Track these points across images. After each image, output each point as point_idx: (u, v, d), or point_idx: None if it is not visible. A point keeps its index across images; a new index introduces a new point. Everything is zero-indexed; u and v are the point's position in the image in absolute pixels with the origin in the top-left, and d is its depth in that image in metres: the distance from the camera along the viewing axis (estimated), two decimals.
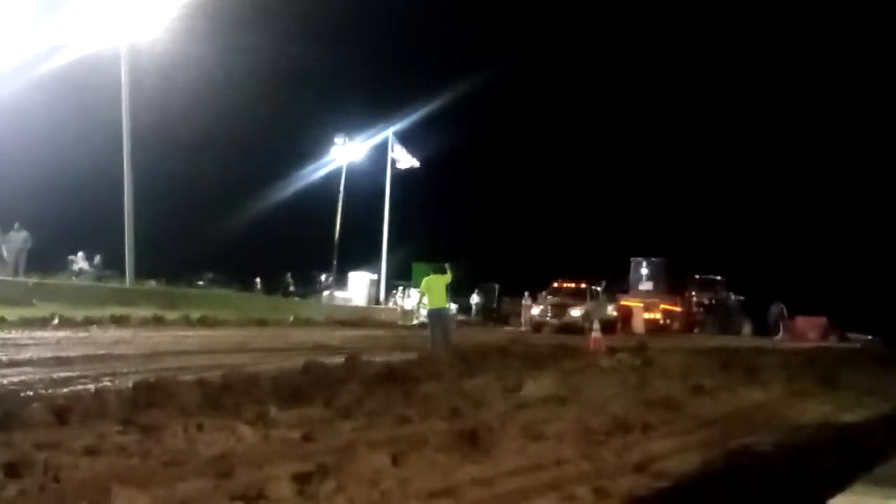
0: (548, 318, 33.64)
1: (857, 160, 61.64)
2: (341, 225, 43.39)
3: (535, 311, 35.25)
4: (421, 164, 46.66)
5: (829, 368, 16.64)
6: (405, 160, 45.86)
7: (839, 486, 4.69)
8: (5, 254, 27.82)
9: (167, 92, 35.25)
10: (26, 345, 13.53)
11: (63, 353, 12.46)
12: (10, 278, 25.86)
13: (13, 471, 4.98)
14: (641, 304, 41.72)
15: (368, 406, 8.12)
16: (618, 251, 49.29)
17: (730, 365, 15.88)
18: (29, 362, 11.28)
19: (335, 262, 43.76)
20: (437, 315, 17.30)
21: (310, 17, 51.30)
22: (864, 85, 63.99)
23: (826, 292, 43.21)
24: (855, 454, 7.12)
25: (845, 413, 10.68)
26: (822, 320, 42.84)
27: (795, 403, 11.42)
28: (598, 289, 36.04)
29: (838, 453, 7.32)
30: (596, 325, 21.50)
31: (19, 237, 27.98)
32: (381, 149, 46.03)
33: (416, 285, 30.62)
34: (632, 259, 46.55)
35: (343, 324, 29.32)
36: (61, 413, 6.79)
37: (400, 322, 35.77)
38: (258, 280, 44.05)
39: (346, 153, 44.31)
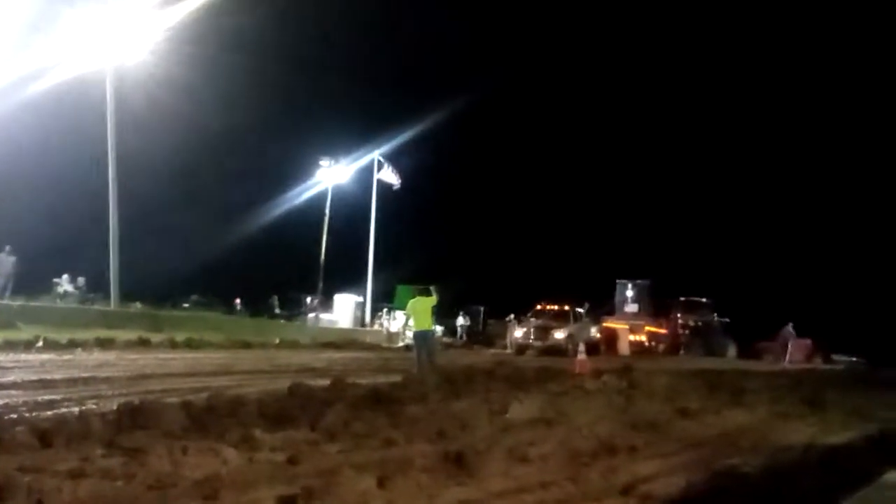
0: (531, 341, 33.58)
1: (842, 183, 62.05)
2: (327, 247, 43.43)
3: (519, 333, 35.18)
4: (405, 186, 46.87)
5: (815, 390, 16.69)
6: (389, 177, 46.00)
7: None
8: None
9: (152, 114, 35.20)
10: (10, 368, 13.44)
11: (47, 376, 12.39)
12: None
13: None
14: (627, 327, 41.75)
15: (354, 428, 8.10)
16: (603, 273, 49.43)
17: (715, 387, 15.92)
18: (13, 385, 11.22)
19: (321, 285, 43.73)
20: (422, 337, 17.27)
21: (295, 41, 51.49)
22: (850, 111, 64.44)
23: (811, 314, 43.32)
24: (840, 476, 7.14)
25: (830, 435, 10.72)
26: (808, 342, 43.00)
27: (781, 425, 11.46)
28: (582, 311, 36.02)
29: (824, 475, 7.34)
30: (581, 348, 21.51)
31: (9, 261, 27.94)
32: (367, 171, 46.16)
33: (400, 307, 30.58)
34: (617, 281, 46.67)
35: (328, 346, 29.24)
36: (45, 436, 6.75)
37: (385, 344, 35.68)
38: (238, 301, 43.85)
39: (331, 176, 44.37)
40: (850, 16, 64.61)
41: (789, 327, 39.95)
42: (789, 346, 39.68)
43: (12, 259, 28.05)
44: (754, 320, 45.68)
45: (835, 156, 63.78)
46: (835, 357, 42.79)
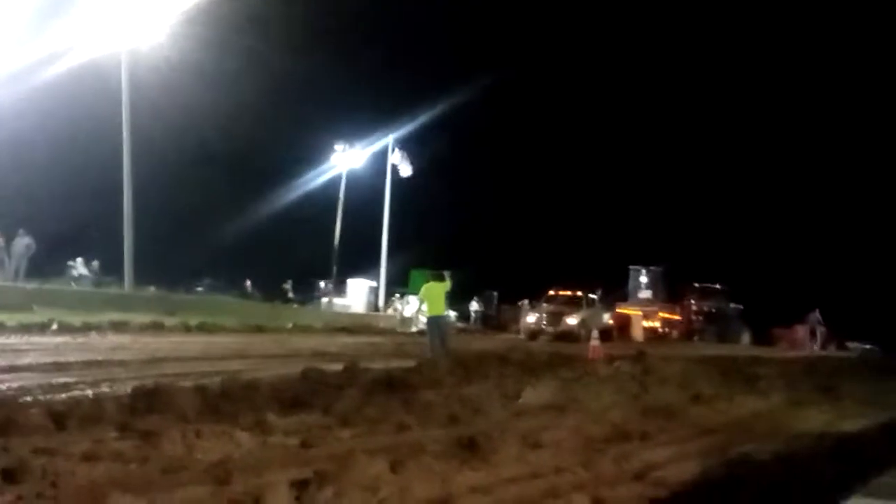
0: (543, 326, 33.59)
1: (857, 169, 61.72)
2: (341, 232, 43.45)
3: (531, 318, 35.17)
4: (419, 172, 46.92)
5: (829, 377, 16.65)
6: (404, 167, 46.05)
7: (840, 496, 4.68)
8: (6, 259, 27.91)
9: (167, 98, 35.23)
10: (25, 350, 13.48)
11: (62, 359, 12.42)
12: (9, 284, 25.85)
13: (11, 476, 4.95)
14: (640, 313, 41.77)
15: (367, 413, 8.10)
16: (617, 259, 49.39)
17: (729, 373, 15.88)
18: (27, 368, 11.25)
19: (334, 269, 43.76)
20: (435, 322, 17.26)
21: (310, 25, 51.36)
22: (862, 97, 63.97)
23: (825, 301, 43.21)
24: (855, 463, 7.10)
25: (845, 422, 10.68)
26: (823, 329, 42.98)
27: (795, 412, 11.43)
28: (595, 297, 36.02)
29: (838, 462, 7.30)
30: (595, 334, 21.48)
31: (22, 243, 28.05)
32: (381, 156, 46.15)
33: (414, 292, 30.60)
34: (631, 267, 46.69)
35: (342, 331, 29.30)
36: (59, 418, 6.77)
37: (399, 329, 35.71)
38: (248, 283, 43.81)
39: (346, 160, 44.36)
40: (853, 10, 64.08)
41: (816, 313, 40.22)
42: (817, 332, 40.00)
43: (26, 241, 28.16)
44: (768, 307, 45.62)
45: (849, 141, 63.44)
46: (849, 344, 42.73)
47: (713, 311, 45.23)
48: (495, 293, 48.84)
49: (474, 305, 45.89)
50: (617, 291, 44.06)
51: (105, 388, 9.49)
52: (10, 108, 29.08)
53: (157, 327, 21.08)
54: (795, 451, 8.07)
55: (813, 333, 39.99)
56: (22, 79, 27.83)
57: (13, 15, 27.35)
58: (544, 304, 35.31)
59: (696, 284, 46.30)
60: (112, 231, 31.95)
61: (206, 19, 32.02)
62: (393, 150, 45.90)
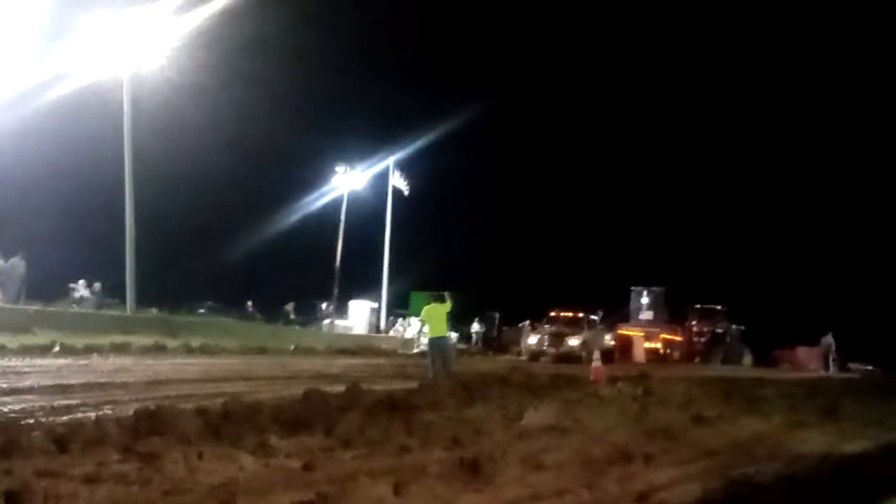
0: (545, 348, 33.50)
1: (858, 189, 61.80)
2: (342, 253, 43.53)
3: (533, 340, 35.09)
4: (421, 192, 47.06)
5: (831, 399, 16.60)
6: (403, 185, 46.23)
7: None
8: (7, 282, 27.92)
9: (169, 121, 35.34)
10: (27, 372, 13.48)
11: (64, 381, 12.42)
12: (10, 306, 25.85)
13: (14, 499, 4.96)
14: (642, 334, 41.67)
15: (369, 435, 8.10)
16: (618, 280, 49.37)
17: (731, 395, 15.85)
18: (29, 390, 11.25)
19: (336, 291, 43.80)
20: (437, 344, 17.25)
21: (311, 48, 51.58)
22: (870, 116, 64.09)
23: (827, 322, 43.15)
24: (858, 486, 7.09)
25: (847, 444, 10.64)
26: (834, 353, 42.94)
27: (797, 433, 11.39)
28: (596, 318, 35.95)
29: (840, 484, 7.29)
30: (597, 355, 21.43)
31: (22, 265, 28.06)
32: (382, 177, 46.25)
33: (415, 314, 30.57)
34: (632, 288, 46.60)
35: (344, 352, 29.25)
36: (62, 441, 6.77)
37: (400, 351, 35.65)
38: (250, 303, 43.82)
39: (347, 182, 44.48)
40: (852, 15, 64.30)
41: (829, 337, 40.11)
42: (830, 356, 39.88)
43: (24, 264, 28.18)
44: (770, 328, 45.58)
45: (850, 165, 63.52)
46: (851, 365, 42.62)
47: (715, 332, 45.16)
48: (497, 314, 48.77)
49: (476, 327, 45.84)
50: (618, 312, 44.01)
51: (107, 411, 9.49)
52: (12, 130, 29.16)
53: (159, 349, 21.07)
54: (797, 473, 8.05)
55: (825, 357, 39.78)
56: (25, 101, 27.93)
57: (16, 37, 27.47)
58: (546, 326, 35.23)
59: (698, 305, 46.28)
60: (114, 253, 31.99)
61: (208, 42, 32.16)
62: (392, 174, 46.01)
